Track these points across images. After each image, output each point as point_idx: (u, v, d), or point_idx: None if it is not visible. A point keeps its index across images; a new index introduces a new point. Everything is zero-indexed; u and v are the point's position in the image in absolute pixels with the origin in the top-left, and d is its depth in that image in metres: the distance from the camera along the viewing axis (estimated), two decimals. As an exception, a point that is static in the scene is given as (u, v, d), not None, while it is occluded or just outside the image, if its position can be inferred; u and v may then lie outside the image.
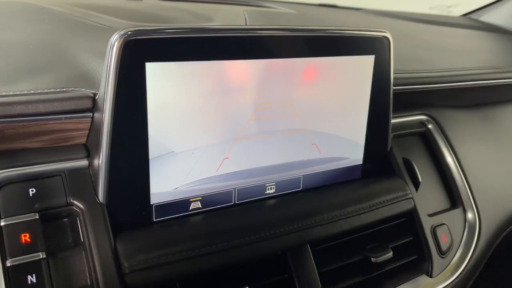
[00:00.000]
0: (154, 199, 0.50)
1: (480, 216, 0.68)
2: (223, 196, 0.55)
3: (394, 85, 0.63)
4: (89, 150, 0.49)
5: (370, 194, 0.60)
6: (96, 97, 0.47)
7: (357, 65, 0.59)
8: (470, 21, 1.35)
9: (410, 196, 0.63)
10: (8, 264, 0.41)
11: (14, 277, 0.41)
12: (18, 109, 0.43)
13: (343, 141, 0.62)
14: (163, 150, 0.49)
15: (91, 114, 0.47)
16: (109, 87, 0.44)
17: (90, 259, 0.44)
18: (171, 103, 0.48)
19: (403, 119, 0.72)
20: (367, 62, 0.60)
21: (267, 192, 0.58)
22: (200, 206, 0.53)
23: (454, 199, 0.70)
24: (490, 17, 1.35)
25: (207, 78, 0.49)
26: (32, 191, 0.45)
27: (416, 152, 0.71)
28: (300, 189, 0.60)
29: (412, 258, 0.62)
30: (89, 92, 0.47)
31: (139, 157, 0.47)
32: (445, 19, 1.30)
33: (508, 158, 0.81)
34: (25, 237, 0.43)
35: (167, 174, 0.50)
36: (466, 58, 0.91)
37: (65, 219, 0.46)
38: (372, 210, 0.59)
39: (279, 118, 0.56)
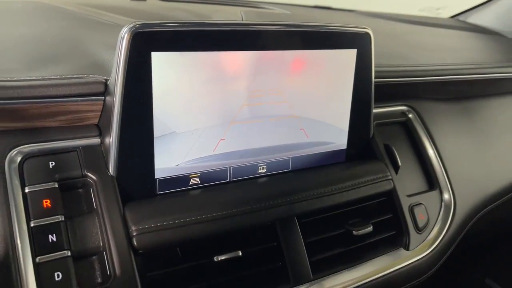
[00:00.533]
0: (158, 174, 0.57)
1: (455, 198, 0.75)
2: (219, 173, 0.61)
3: (377, 78, 0.70)
4: (101, 129, 0.55)
5: (352, 175, 0.67)
6: (108, 82, 0.53)
7: (341, 57, 0.66)
8: (457, 22, 1.42)
9: (390, 177, 0.70)
10: (32, 224, 0.48)
11: (37, 236, 0.47)
12: (41, 92, 0.50)
13: (329, 127, 0.68)
14: (166, 130, 0.55)
15: (103, 97, 0.53)
16: (119, 73, 0.50)
17: (102, 223, 0.51)
18: (173, 88, 0.54)
19: (386, 109, 0.78)
20: (350, 55, 0.66)
21: (259, 171, 0.64)
22: (199, 181, 0.60)
23: (431, 182, 0.76)
24: (476, 18, 1.42)
25: (206, 67, 0.55)
26: (52, 163, 0.51)
27: (397, 139, 0.77)
28: (289, 169, 0.66)
29: (391, 233, 0.68)
30: (101, 78, 0.54)
31: (145, 136, 0.54)
32: (433, 21, 1.36)
33: (484, 148, 0.87)
34: (46, 203, 0.49)
35: (170, 152, 0.56)
36: (448, 55, 0.97)
37: (80, 189, 0.53)
38: (354, 188, 0.65)
39: (270, 105, 0.62)
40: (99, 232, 0.51)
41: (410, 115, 0.80)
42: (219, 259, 0.54)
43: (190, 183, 0.59)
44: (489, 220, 0.97)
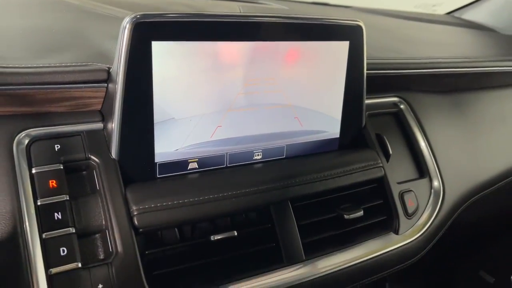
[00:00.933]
0: (158, 158, 0.59)
1: (444, 186, 0.77)
2: (217, 159, 0.64)
3: (369, 69, 0.72)
4: (104, 115, 0.58)
5: (344, 162, 0.70)
6: (110, 70, 0.56)
7: (334, 49, 0.68)
8: (452, 18, 1.44)
9: (381, 165, 0.72)
10: (39, 203, 0.51)
11: (44, 213, 0.50)
12: (48, 78, 0.53)
13: (322, 116, 0.71)
14: (166, 116, 0.58)
15: (106, 84, 0.56)
16: (121, 61, 0.53)
17: (104, 203, 0.53)
18: (173, 76, 0.57)
19: (378, 100, 0.81)
20: (342, 47, 0.69)
21: (255, 158, 0.67)
22: (197, 166, 0.63)
23: (421, 170, 0.79)
24: (471, 15, 1.45)
25: (205, 56, 0.58)
26: (57, 146, 0.54)
27: (389, 129, 0.80)
28: (284, 156, 0.69)
29: (382, 218, 0.71)
30: (104, 66, 0.56)
31: (146, 122, 0.57)
32: (429, 17, 1.39)
33: (474, 139, 0.90)
34: (52, 183, 0.52)
35: (169, 137, 0.59)
36: (442, 49, 1.00)
37: (84, 172, 0.56)
38: (346, 175, 0.68)
39: (265, 93, 0.65)
40: (102, 212, 0.53)
41: (401, 106, 0.82)
42: (215, 238, 0.56)
43: (189, 168, 0.62)
44: (479, 211, 1.00)
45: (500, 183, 0.89)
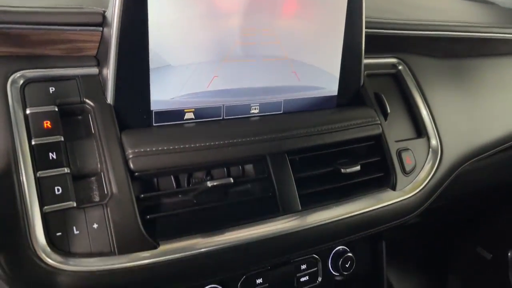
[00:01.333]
0: (154, 106, 0.59)
1: (442, 145, 0.77)
2: (213, 110, 0.63)
3: (369, 28, 0.72)
4: (99, 60, 0.57)
5: (342, 117, 0.69)
6: (106, 13, 0.55)
7: (332, 2, 0.68)
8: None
9: (379, 122, 0.72)
10: (33, 142, 0.50)
11: (38, 153, 0.50)
12: (42, 18, 0.52)
13: (320, 71, 0.70)
14: (161, 62, 0.57)
15: (101, 28, 0.56)
16: (116, 5, 0.52)
17: (100, 147, 0.53)
18: (168, 21, 0.56)
19: (376, 60, 0.80)
20: (341, 1, 0.68)
21: (252, 111, 0.66)
22: (193, 117, 0.62)
23: (419, 130, 0.78)
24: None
25: (201, 2, 0.57)
26: (52, 89, 0.54)
27: (387, 90, 0.79)
28: (281, 112, 0.69)
29: (379, 175, 0.71)
30: (100, 9, 0.56)
31: (141, 67, 0.56)
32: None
33: (472, 104, 0.89)
34: (47, 124, 0.52)
35: (165, 84, 0.58)
36: (441, 15, 0.99)
37: (79, 116, 0.55)
38: (343, 130, 0.68)
39: (262, 45, 0.64)
40: (97, 155, 0.53)
41: (400, 67, 0.82)
42: (211, 184, 0.56)
43: (185, 118, 0.62)
44: (476, 180, 1.00)
45: (497, 149, 0.89)
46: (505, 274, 1.35)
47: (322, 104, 0.72)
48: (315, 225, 0.61)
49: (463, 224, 1.46)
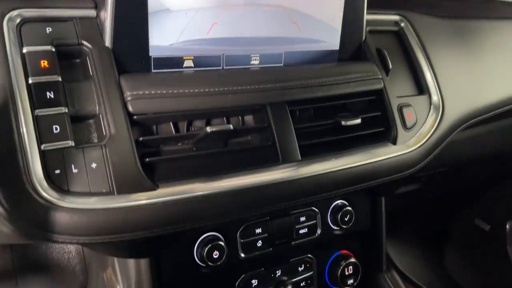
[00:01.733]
0: (153, 52, 0.58)
1: (444, 102, 0.76)
2: (213, 59, 0.63)
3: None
4: (97, 2, 0.56)
5: (344, 71, 0.68)
6: None
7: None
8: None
9: (380, 77, 0.71)
10: (30, 81, 0.50)
11: (36, 92, 0.50)
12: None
13: (321, 24, 0.69)
14: (160, 6, 0.56)
15: None
16: None
17: (98, 89, 0.53)
18: (167, -37, 0.55)
19: (379, 16, 0.79)
20: None
21: (252, 62, 0.66)
22: (192, 65, 0.61)
23: (421, 88, 0.77)
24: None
25: None
26: (49, 29, 0.53)
27: (389, 47, 0.78)
28: (282, 64, 0.68)
29: (380, 129, 0.70)
30: (97, -51, 0.55)
31: (139, 10, 0.55)
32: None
33: (475, 65, 0.88)
34: (44, 63, 0.51)
35: (164, 29, 0.58)
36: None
37: (77, 59, 0.55)
38: (345, 83, 0.67)
39: (263, -8, 0.63)
40: (96, 97, 0.53)
41: (403, 24, 0.81)
42: (211, 130, 0.56)
43: (184, 66, 0.61)
44: (477, 146, 1.00)
45: (499, 110, 0.88)
46: (503, 245, 1.36)
47: (323, 59, 0.71)
48: (314, 174, 0.61)
49: (461, 195, 1.46)
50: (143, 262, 0.59)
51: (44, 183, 0.47)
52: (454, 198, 1.48)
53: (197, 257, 0.61)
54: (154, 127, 0.58)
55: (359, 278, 0.76)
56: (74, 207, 0.48)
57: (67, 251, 0.68)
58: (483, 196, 1.43)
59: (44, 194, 0.47)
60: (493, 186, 1.40)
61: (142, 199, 0.51)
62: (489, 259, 1.39)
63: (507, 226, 1.35)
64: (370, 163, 0.66)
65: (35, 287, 0.73)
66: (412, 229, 1.54)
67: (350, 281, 0.75)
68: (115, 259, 0.64)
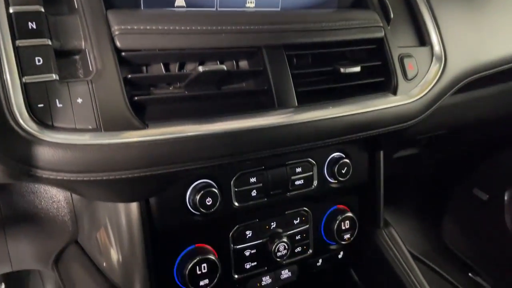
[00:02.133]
0: (142, -13, 0.55)
1: (446, 54, 0.74)
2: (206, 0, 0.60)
3: None
4: None
5: (344, 17, 0.65)
6: None
7: None
8: None
9: (381, 25, 0.68)
10: (11, 10, 0.47)
11: (17, 21, 0.47)
12: None
13: (321, -33, 0.66)
14: None
15: None
16: None
17: (84, 23, 0.50)
18: None
19: (381, -37, 0.75)
20: None
21: (247, 5, 0.63)
22: (184, 4, 0.58)
23: (423, 39, 0.75)
24: None
25: None
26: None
27: (392, -1, 0.75)
28: (279, 9, 0.65)
29: (380, 79, 0.68)
30: None
31: None
32: None
33: (480, 21, 0.84)
34: (26, -7, 0.48)
35: (154, -37, 0.55)
36: None
37: (62, -7, 0.52)
38: (344, 29, 0.64)
39: None
40: (81, 31, 0.50)
41: (406, -25, 0.77)
42: (203, 69, 0.53)
43: (176, 5, 0.58)
44: (478, 108, 0.98)
45: (501, 67, 0.85)
46: (500, 214, 1.35)
47: (322, 5, 0.69)
48: (311, 120, 0.59)
49: (460, 165, 1.45)
50: (134, 209, 0.57)
51: (26, 116, 0.45)
52: (452, 168, 1.46)
53: (189, 204, 0.59)
54: (144, 68, 0.56)
55: (355, 233, 0.75)
56: (58, 141, 0.45)
57: (55, 200, 0.66)
58: (481, 166, 1.42)
59: (26, 127, 0.45)
60: (491, 155, 1.39)
61: (130, 137, 0.49)
62: (486, 229, 1.39)
63: (506, 196, 1.34)
64: (369, 111, 0.64)
65: (24, 240, 0.71)
66: (409, 199, 1.53)
67: (347, 236, 0.74)
68: (105, 208, 0.62)
